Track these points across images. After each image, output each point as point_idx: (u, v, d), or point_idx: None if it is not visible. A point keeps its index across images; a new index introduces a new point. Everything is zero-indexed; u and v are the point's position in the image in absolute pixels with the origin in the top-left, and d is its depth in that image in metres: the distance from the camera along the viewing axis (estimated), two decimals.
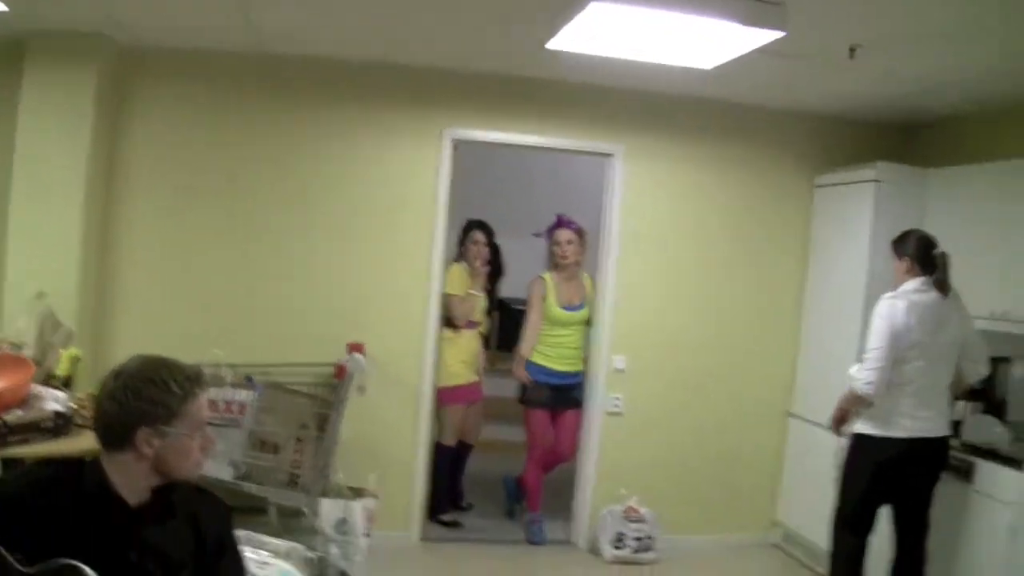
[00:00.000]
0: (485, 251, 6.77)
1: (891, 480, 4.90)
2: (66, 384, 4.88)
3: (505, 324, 8.56)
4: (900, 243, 5.01)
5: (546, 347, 6.55)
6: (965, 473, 5.00)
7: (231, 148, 5.96)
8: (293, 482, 5.43)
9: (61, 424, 4.33)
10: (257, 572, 4.78)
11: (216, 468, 5.25)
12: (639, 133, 6.42)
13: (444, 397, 6.51)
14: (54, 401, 4.43)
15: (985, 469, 4.91)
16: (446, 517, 6.72)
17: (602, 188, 6.52)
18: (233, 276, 5.99)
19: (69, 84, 5.47)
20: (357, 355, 5.69)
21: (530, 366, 6.58)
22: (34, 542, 2.17)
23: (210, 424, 4.91)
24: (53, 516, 2.26)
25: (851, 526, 5.02)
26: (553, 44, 4.58)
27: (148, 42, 5.73)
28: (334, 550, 5.27)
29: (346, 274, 6.10)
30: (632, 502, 6.34)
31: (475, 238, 6.77)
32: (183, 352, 2.69)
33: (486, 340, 7.28)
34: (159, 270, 5.93)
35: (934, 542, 4.96)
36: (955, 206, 5.74)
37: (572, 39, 4.47)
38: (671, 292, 6.57)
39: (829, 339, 6.34)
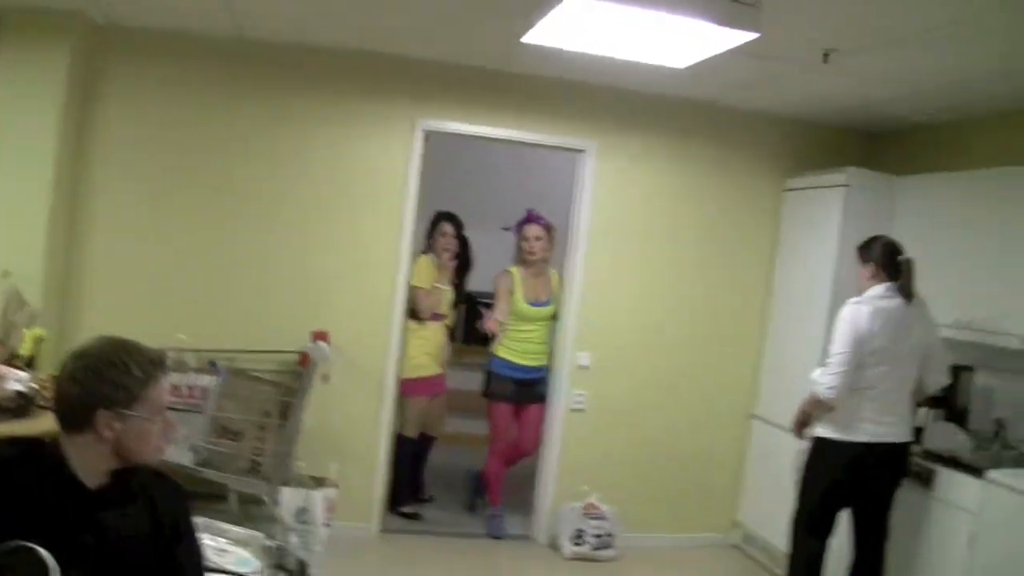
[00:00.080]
0: (453, 243, 6.75)
1: (851, 484, 4.93)
2: (29, 364, 4.84)
3: (471, 317, 8.57)
4: (866, 249, 5.03)
5: (511, 342, 6.54)
6: (926, 480, 5.03)
7: (203, 132, 5.91)
8: (254, 469, 5.40)
9: (23, 404, 4.31)
10: (216, 559, 4.77)
11: (177, 453, 5.22)
12: (611, 130, 6.42)
13: (407, 389, 6.49)
14: (16, 381, 4.39)
15: (946, 476, 4.94)
16: (407, 509, 6.71)
17: (573, 184, 6.52)
18: (200, 260, 5.95)
19: (43, 61, 5.41)
20: (321, 343, 5.67)
21: (494, 360, 6.58)
22: None
23: (172, 409, 4.89)
24: (10, 497, 2.24)
25: (811, 529, 5.05)
26: (528, 38, 4.58)
27: (124, 21, 5.67)
28: (293, 539, 5.24)
29: (313, 262, 6.07)
30: (592, 499, 6.36)
31: (443, 230, 6.75)
32: (148, 335, 2.67)
33: (452, 333, 7.26)
34: (126, 252, 5.87)
35: (893, 548, 5.00)
36: (923, 213, 5.79)
37: (547, 34, 4.47)
38: (638, 290, 6.58)
39: (793, 342, 6.37)
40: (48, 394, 4.29)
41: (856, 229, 5.65)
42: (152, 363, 2.41)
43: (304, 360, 5.71)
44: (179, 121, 5.88)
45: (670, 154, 6.54)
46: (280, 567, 5.14)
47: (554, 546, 6.44)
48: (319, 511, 5.29)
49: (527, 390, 6.58)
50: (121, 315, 5.61)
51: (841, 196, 6.00)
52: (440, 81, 6.16)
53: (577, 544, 6.30)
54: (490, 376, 6.61)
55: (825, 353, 4.93)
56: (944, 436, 5.17)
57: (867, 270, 4.97)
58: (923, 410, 5.30)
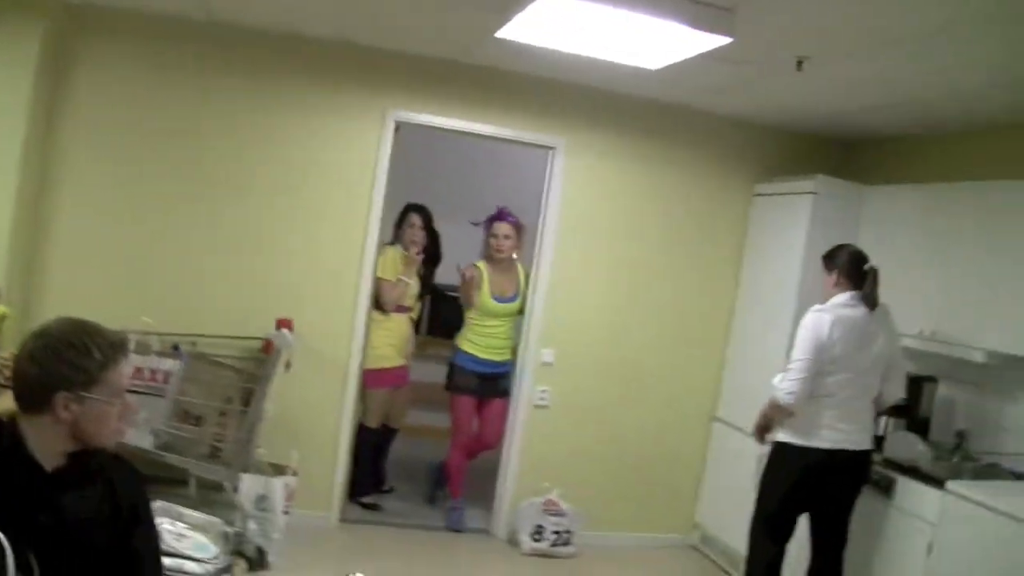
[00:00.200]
0: (421, 235, 6.74)
1: (810, 489, 4.96)
2: None
3: (436, 309, 8.57)
4: (831, 257, 5.07)
5: (476, 336, 6.55)
6: (885, 488, 5.06)
7: (172, 115, 5.85)
8: (215, 455, 5.40)
9: None
10: (174, 544, 4.78)
11: (138, 436, 5.20)
12: (582, 128, 6.43)
13: (370, 379, 6.48)
14: None
15: (905, 486, 4.98)
16: (367, 499, 6.72)
17: (543, 180, 6.53)
18: (167, 243, 5.90)
19: (14, 40, 5.32)
20: (285, 331, 5.64)
21: (459, 354, 6.59)
22: None
23: (134, 392, 4.90)
24: None
25: (769, 533, 5.08)
26: (503, 33, 4.59)
27: (96, 1, 5.61)
28: (252, 526, 5.24)
29: (279, 249, 6.04)
30: (553, 495, 6.37)
31: (412, 221, 6.73)
32: (112, 316, 2.67)
33: (416, 325, 7.26)
34: (93, 233, 5.81)
35: (852, 554, 5.03)
36: (890, 224, 5.84)
37: (522, 29, 4.49)
38: (604, 289, 6.60)
39: (757, 347, 6.40)
40: (8, 373, 4.26)
41: (823, 236, 5.70)
42: (112, 346, 2.39)
43: (267, 347, 5.69)
44: (149, 103, 5.82)
45: (640, 154, 6.55)
46: (238, 553, 5.16)
47: (513, 541, 6.46)
48: (279, 499, 5.30)
49: (490, 384, 6.60)
50: (86, 296, 5.57)
51: (809, 203, 6.04)
52: (412, 72, 6.13)
53: (536, 540, 6.31)
54: (453, 369, 6.61)
55: (788, 359, 4.95)
56: (905, 446, 5.20)
57: (832, 278, 5.01)
58: (884, 419, 5.35)
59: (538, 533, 6.32)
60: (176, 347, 5.60)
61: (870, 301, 4.88)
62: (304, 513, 5.84)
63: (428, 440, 7.89)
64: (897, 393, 5.07)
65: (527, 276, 6.59)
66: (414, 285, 6.75)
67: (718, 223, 6.75)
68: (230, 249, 5.97)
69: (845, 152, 6.87)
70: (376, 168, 6.12)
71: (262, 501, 5.27)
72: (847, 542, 5.01)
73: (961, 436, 5.30)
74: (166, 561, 3.85)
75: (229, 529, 5.06)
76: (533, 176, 6.71)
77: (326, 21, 5.56)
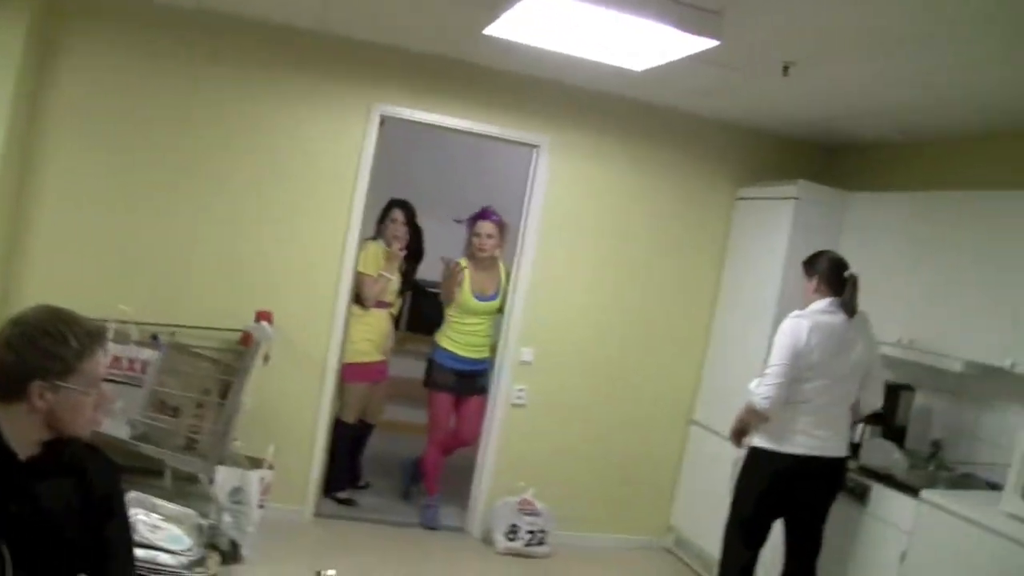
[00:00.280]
0: (403, 231, 6.73)
1: (784, 495, 4.97)
2: None
3: (417, 305, 8.56)
4: (811, 263, 5.08)
5: (456, 333, 6.54)
6: (860, 495, 5.09)
7: (157, 104, 5.81)
8: (191, 447, 5.37)
9: None
10: (148, 535, 4.75)
11: (114, 426, 5.18)
12: (567, 127, 6.42)
13: (347, 374, 6.47)
14: None
15: (880, 493, 5.00)
16: (342, 494, 6.70)
17: (527, 179, 6.53)
18: (148, 233, 5.86)
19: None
20: (265, 324, 5.62)
21: (438, 351, 6.58)
22: None
23: (112, 381, 4.89)
24: None
25: (743, 538, 5.08)
26: (491, 30, 4.58)
27: None
28: (227, 519, 5.23)
29: (261, 241, 6.01)
30: (529, 495, 6.38)
31: (394, 216, 6.72)
32: (91, 304, 2.66)
33: (396, 321, 7.24)
34: (75, 221, 5.76)
35: (825, 560, 5.05)
36: (872, 231, 5.86)
37: (510, 27, 4.48)
38: (585, 289, 6.60)
39: (736, 351, 6.42)
40: None
41: (805, 242, 5.72)
42: (89, 335, 2.39)
43: (246, 339, 5.67)
44: (134, 92, 5.78)
45: (624, 154, 6.56)
46: (212, 546, 5.13)
47: (488, 540, 6.46)
48: (254, 492, 5.28)
49: (468, 382, 6.59)
50: (66, 283, 5.54)
51: (791, 208, 6.05)
52: (399, 67, 6.12)
53: (511, 539, 6.31)
54: (432, 366, 6.60)
55: (766, 364, 4.96)
56: (881, 453, 5.22)
57: (812, 284, 5.01)
58: (861, 426, 5.37)
59: (513, 532, 6.32)
60: (155, 337, 5.57)
61: (849, 308, 4.89)
62: (279, 507, 5.83)
63: (405, 436, 7.89)
64: (874, 402, 5.08)
65: (508, 274, 6.58)
66: (395, 281, 6.73)
67: (701, 226, 6.76)
68: (211, 239, 5.95)
69: (828, 158, 6.90)
70: (360, 161, 6.10)
71: (237, 494, 5.26)
72: (821, 548, 5.02)
73: (937, 445, 5.32)
74: (139, 552, 3.83)
75: (203, 521, 5.04)
76: (517, 175, 6.69)
77: (315, 13, 5.54)
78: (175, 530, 4.85)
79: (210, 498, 5.21)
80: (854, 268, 4.97)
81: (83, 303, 2.55)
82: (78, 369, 2.33)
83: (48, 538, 2.34)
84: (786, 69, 4.73)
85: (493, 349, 6.65)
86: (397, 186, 6.96)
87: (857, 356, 4.89)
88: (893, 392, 5.39)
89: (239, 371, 5.45)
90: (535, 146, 6.41)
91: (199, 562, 4.84)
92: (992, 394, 5.21)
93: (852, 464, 5.13)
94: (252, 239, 6.00)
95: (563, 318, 6.56)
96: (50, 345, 2.30)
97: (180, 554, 4.76)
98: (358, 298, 6.45)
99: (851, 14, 3.84)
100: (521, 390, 6.53)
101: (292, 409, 6.14)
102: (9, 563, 2.20)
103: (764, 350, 5.49)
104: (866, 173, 6.50)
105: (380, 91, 6.10)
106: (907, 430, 5.52)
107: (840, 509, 5.05)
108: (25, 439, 2.33)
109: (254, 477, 5.30)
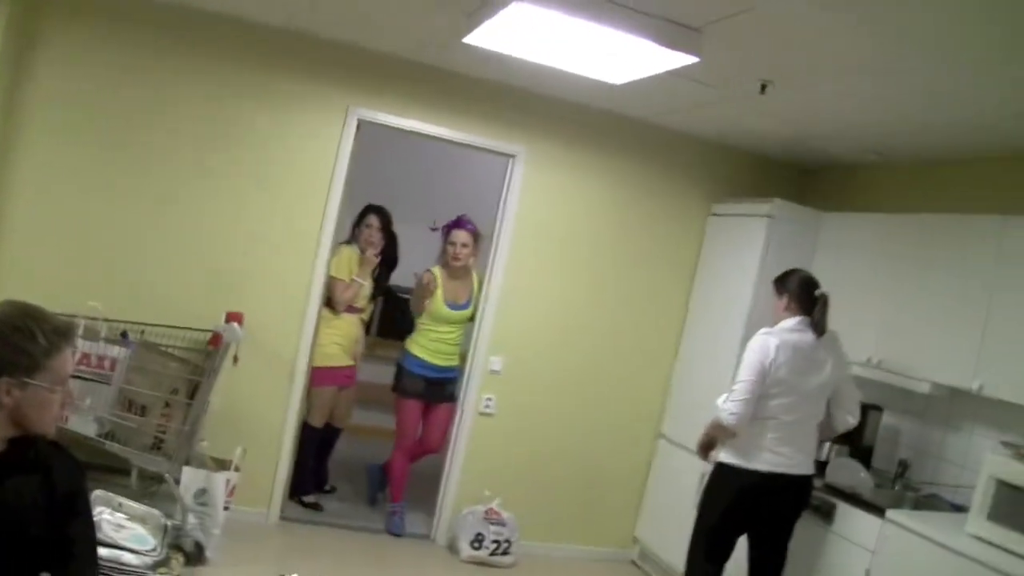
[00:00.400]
0: (378, 236, 6.71)
1: (748, 511, 4.98)
2: None
3: (389, 311, 8.55)
4: (782, 281, 5.10)
5: (426, 340, 6.53)
6: (826, 514, 5.10)
7: (133, 100, 5.78)
8: (157, 446, 5.35)
9: None
10: (112, 534, 4.73)
11: (81, 423, 5.16)
12: (543, 138, 6.44)
13: (316, 377, 6.44)
14: None
15: (845, 512, 5.02)
16: (308, 499, 6.67)
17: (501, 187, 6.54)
18: (120, 230, 5.82)
19: None
20: (234, 325, 5.59)
21: (407, 357, 6.56)
22: None
23: (80, 378, 4.85)
24: None
25: (707, 553, 5.08)
26: (471, 39, 4.59)
27: None
28: (192, 520, 5.21)
29: (233, 241, 5.99)
30: (495, 504, 6.37)
31: (370, 222, 6.70)
32: (62, 300, 2.66)
33: (368, 326, 7.24)
34: (47, 216, 5.72)
35: None
36: (844, 251, 5.90)
37: (490, 36, 4.50)
38: (556, 299, 6.61)
39: (704, 366, 6.44)
40: None
41: (777, 260, 5.75)
42: (58, 332, 2.38)
43: (216, 340, 5.64)
44: (112, 87, 5.75)
45: (599, 167, 6.58)
46: (176, 547, 5.11)
47: (452, 548, 6.44)
48: (220, 494, 5.27)
49: (437, 389, 6.58)
50: (36, 279, 5.48)
51: (764, 226, 6.08)
52: (378, 71, 6.12)
53: (475, 548, 6.30)
54: (401, 372, 6.58)
55: (734, 379, 4.98)
56: (847, 472, 5.23)
57: (782, 302, 5.03)
58: (828, 445, 5.39)
59: (478, 541, 6.31)
60: (124, 334, 5.54)
61: (819, 327, 4.91)
62: (244, 509, 5.82)
63: (372, 440, 7.88)
64: (849, 421, 5.07)
65: (481, 283, 6.58)
66: (368, 286, 6.72)
67: (674, 240, 6.79)
68: (183, 238, 5.92)
69: (803, 177, 6.95)
70: (336, 165, 6.09)
71: (202, 495, 5.24)
72: (785, 565, 5.04)
73: (903, 465, 5.34)
74: (103, 551, 3.83)
75: (168, 522, 5.02)
76: (493, 183, 6.69)
77: (295, 12, 5.52)
78: (140, 530, 4.83)
79: (175, 499, 5.20)
80: (827, 287, 5.00)
81: (53, 297, 2.54)
82: (46, 366, 2.33)
83: (12, 535, 2.33)
84: (763, 88, 4.76)
85: (463, 357, 6.65)
86: (374, 192, 6.94)
87: (826, 375, 4.91)
88: (861, 412, 5.42)
89: (208, 371, 5.43)
90: (511, 155, 6.42)
91: (163, 563, 4.82)
92: (959, 416, 5.25)
93: (818, 482, 5.14)
94: (225, 239, 5.97)
95: (533, 328, 6.58)
96: (19, 341, 2.29)
97: (144, 554, 4.74)
98: (329, 302, 6.44)
99: (828, 37, 3.88)
100: (489, 399, 6.53)
101: (260, 411, 6.12)
102: None
103: (733, 366, 5.48)
104: (841, 193, 6.54)
105: (358, 95, 6.10)
106: (874, 450, 5.56)
107: (805, 527, 5.06)
108: None
109: (220, 479, 5.28)
